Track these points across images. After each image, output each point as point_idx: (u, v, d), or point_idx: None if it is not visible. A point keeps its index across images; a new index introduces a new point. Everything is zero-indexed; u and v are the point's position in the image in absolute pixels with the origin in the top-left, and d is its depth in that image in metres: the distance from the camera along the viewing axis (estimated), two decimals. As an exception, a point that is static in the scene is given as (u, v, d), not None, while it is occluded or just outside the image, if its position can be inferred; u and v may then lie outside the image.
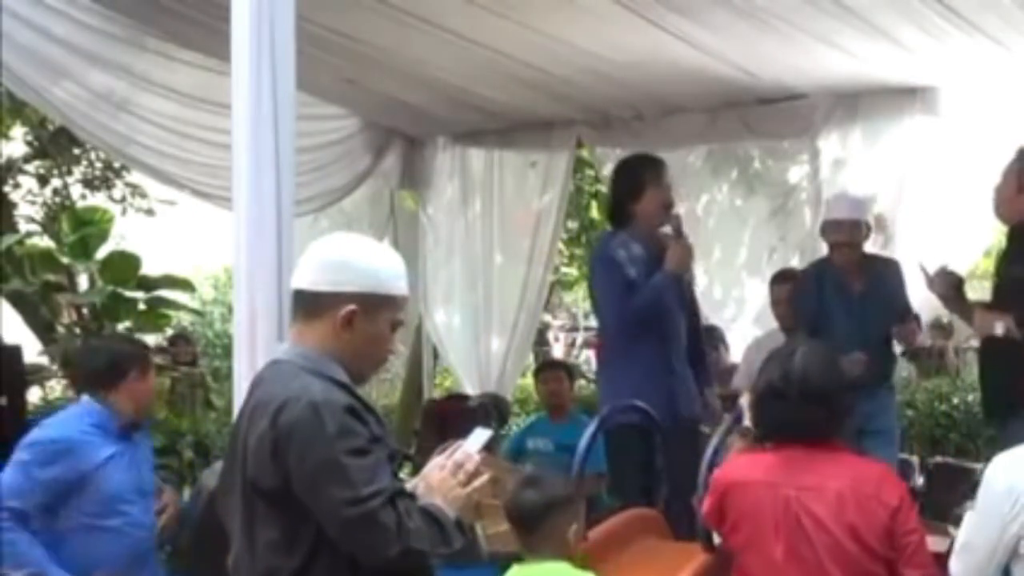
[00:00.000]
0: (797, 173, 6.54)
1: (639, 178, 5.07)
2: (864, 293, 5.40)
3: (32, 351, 7.20)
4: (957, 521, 3.16)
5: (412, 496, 2.60)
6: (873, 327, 5.29)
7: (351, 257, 2.62)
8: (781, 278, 5.96)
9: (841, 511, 2.90)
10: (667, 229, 5.07)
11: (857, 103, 6.14)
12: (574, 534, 3.36)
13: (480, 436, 2.69)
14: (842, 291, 5.40)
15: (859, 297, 5.39)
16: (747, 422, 3.48)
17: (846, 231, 5.36)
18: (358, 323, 2.57)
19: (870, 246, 5.82)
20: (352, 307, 2.56)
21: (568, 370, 6.75)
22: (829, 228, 5.44)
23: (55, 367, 7.40)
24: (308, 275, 2.62)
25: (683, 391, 5.00)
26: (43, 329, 7.94)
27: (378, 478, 2.43)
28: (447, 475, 2.62)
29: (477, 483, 2.63)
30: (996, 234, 6.50)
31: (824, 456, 2.98)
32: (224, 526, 2.64)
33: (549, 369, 6.89)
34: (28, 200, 10.12)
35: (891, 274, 5.45)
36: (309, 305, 2.61)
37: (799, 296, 5.55)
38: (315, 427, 2.42)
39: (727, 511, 3.06)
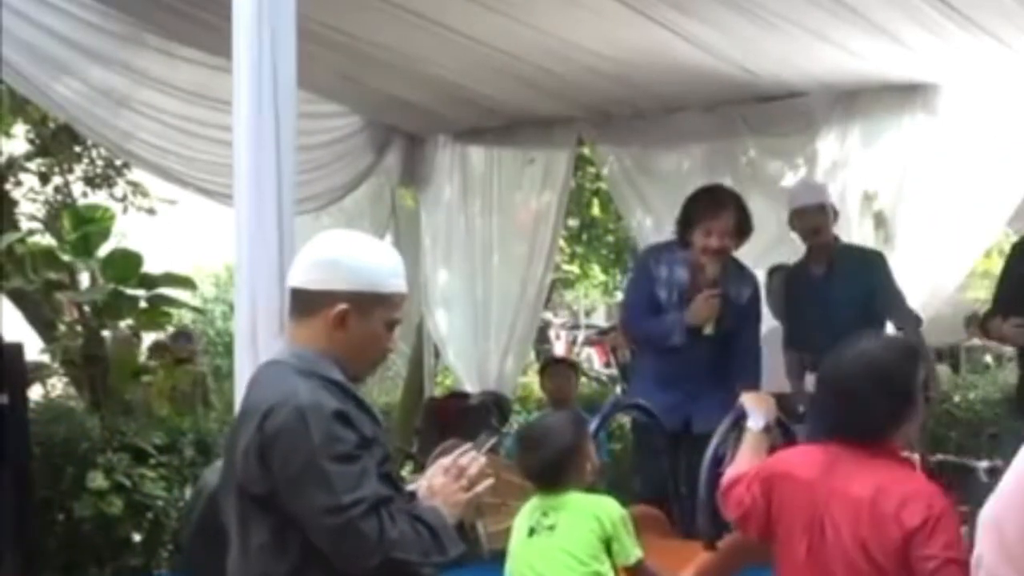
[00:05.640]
0: (796, 171, 6.52)
1: (693, 211, 4.98)
2: (826, 277, 5.42)
3: (33, 349, 7.19)
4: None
5: (412, 495, 2.58)
6: (838, 312, 5.19)
7: (344, 255, 2.58)
8: (777, 270, 5.99)
9: (856, 522, 2.78)
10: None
11: (857, 101, 6.14)
12: (589, 470, 3.51)
13: (486, 442, 2.70)
14: (805, 276, 5.49)
15: (821, 281, 5.42)
16: (751, 422, 3.45)
17: (811, 217, 5.43)
18: (351, 322, 2.53)
19: (867, 243, 5.87)
20: (344, 306, 2.52)
21: (575, 367, 6.83)
22: (795, 217, 5.52)
23: (56, 365, 7.40)
24: (302, 273, 2.60)
25: (696, 408, 4.83)
26: (44, 327, 7.92)
27: (361, 486, 2.39)
28: (449, 480, 2.60)
29: (480, 488, 2.61)
30: (997, 234, 6.50)
31: (865, 459, 2.84)
32: (224, 525, 2.62)
33: (556, 365, 6.99)
34: (29, 198, 10.08)
35: (868, 264, 5.45)
36: (303, 304, 2.58)
37: (768, 299, 5.66)
38: (299, 433, 2.40)
39: (771, 501, 2.97)
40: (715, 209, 4.91)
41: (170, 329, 9.27)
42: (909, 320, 5.40)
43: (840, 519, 2.80)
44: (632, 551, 3.44)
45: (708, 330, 4.92)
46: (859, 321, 5.08)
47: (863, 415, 2.86)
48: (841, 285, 5.33)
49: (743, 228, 5.00)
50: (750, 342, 5.14)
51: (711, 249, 4.90)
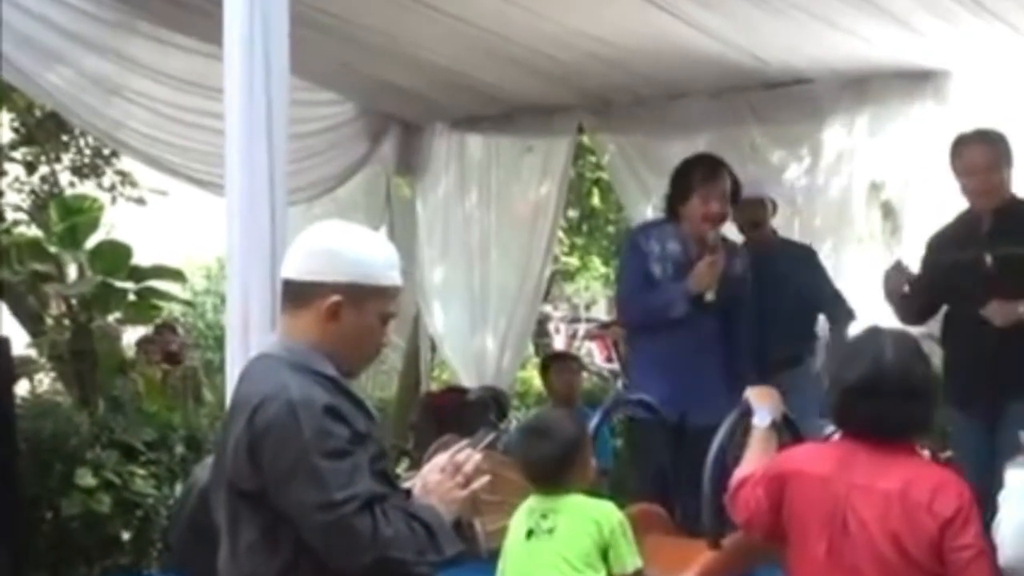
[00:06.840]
0: (802, 160, 6.45)
1: (688, 181, 4.94)
2: (749, 267, 5.35)
3: (20, 343, 7.12)
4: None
5: (408, 493, 2.53)
6: (769, 305, 5.17)
7: (338, 246, 2.54)
8: None
9: (886, 515, 2.76)
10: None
11: (866, 88, 6.06)
12: (591, 470, 3.43)
13: (484, 438, 2.64)
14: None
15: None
16: (757, 419, 3.38)
17: (751, 210, 5.49)
18: (344, 314, 2.49)
19: (875, 234, 5.90)
20: (337, 298, 2.48)
21: (578, 362, 6.75)
22: (735, 209, 5.40)
23: (44, 360, 7.33)
24: (295, 264, 2.56)
25: (693, 399, 4.67)
26: (31, 321, 7.85)
27: (353, 482, 2.36)
28: (445, 477, 2.56)
29: (476, 485, 2.57)
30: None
31: (886, 454, 2.83)
32: (215, 523, 2.56)
33: (562, 360, 6.92)
34: (15, 188, 10.02)
35: (802, 259, 5.54)
36: (296, 295, 2.54)
37: None
38: (290, 428, 2.36)
39: (783, 501, 2.93)
40: (712, 176, 4.92)
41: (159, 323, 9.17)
42: (843, 315, 5.42)
43: (866, 513, 2.78)
44: (629, 560, 3.32)
45: (710, 296, 4.88)
46: (792, 313, 5.26)
47: (900, 415, 2.84)
48: (769, 283, 5.27)
49: (735, 194, 5.05)
50: (750, 311, 5.16)
51: (712, 215, 4.90)
